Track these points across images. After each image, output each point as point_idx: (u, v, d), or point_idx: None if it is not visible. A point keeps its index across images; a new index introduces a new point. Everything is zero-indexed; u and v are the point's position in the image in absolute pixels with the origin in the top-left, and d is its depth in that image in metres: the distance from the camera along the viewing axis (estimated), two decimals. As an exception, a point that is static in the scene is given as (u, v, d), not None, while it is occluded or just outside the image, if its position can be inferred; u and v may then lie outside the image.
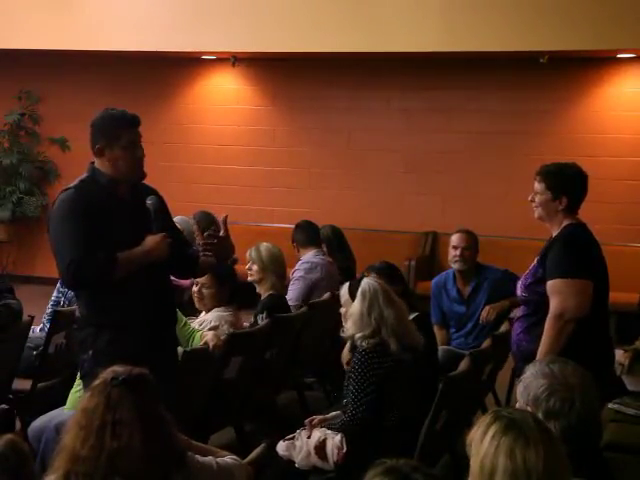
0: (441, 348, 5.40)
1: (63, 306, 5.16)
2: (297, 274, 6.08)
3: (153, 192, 3.78)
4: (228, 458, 2.74)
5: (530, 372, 2.73)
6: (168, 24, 8.85)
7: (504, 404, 5.53)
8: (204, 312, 4.96)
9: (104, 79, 9.88)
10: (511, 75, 8.77)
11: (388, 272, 4.89)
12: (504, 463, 2.17)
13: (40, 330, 5.29)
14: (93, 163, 3.67)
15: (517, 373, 3.87)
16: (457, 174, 8.97)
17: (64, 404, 4.28)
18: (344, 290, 4.28)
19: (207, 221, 6.47)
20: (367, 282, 4.15)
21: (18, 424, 4.54)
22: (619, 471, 3.19)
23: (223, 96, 9.79)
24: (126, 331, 3.54)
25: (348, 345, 4.31)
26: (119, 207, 3.61)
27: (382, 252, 7.13)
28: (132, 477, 2.36)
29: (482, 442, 2.22)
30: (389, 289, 4.25)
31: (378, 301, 4.06)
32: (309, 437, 4.00)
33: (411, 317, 4.68)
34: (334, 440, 3.92)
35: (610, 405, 4.55)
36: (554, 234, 4.03)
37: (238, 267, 5.45)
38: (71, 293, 5.16)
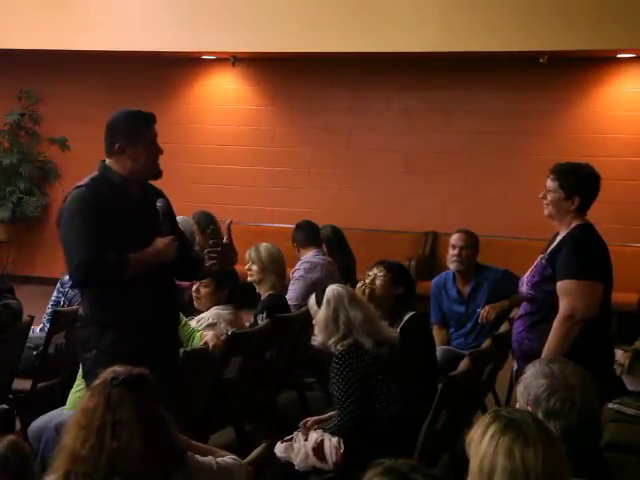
0: (441, 348, 5.40)
1: (63, 306, 5.16)
2: (297, 274, 6.08)
3: (160, 193, 3.80)
4: (228, 458, 2.74)
5: (530, 372, 2.73)
6: (168, 24, 8.85)
7: (504, 404, 5.53)
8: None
9: (104, 79, 9.88)
10: (511, 75, 8.77)
11: (397, 269, 4.92)
12: (503, 463, 2.17)
13: (40, 330, 5.29)
14: (104, 161, 3.67)
15: (519, 372, 3.86)
16: (457, 174, 8.97)
17: (64, 404, 4.28)
18: (311, 301, 4.29)
19: (206, 221, 6.49)
20: (331, 289, 4.17)
21: (18, 424, 4.53)
22: (619, 471, 3.19)
23: (223, 96, 9.79)
24: (130, 331, 3.54)
25: None
26: (130, 207, 3.61)
27: (382, 252, 7.12)
28: (132, 477, 2.36)
29: (481, 442, 2.22)
30: (354, 292, 4.29)
31: (343, 304, 4.08)
32: (306, 439, 4.00)
33: (407, 316, 4.68)
34: (331, 441, 3.93)
35: (610, 405, 4.55)
36: (562, 233, 4.03)
37: (238, 267, 5.44)
38: (71, 293, 5.17)
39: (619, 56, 8.32)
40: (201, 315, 4.89)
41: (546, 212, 4.07)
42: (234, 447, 4.27)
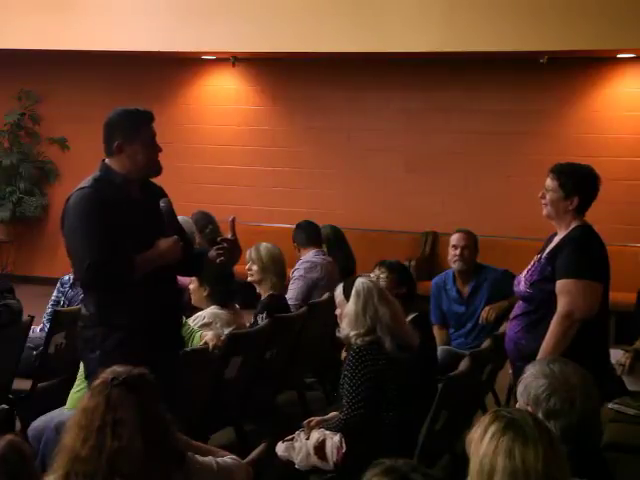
0: (441, 348, 5.41)
1: (63, 306, 5.16)
2: (297, 273, 6.08)
3: (162, 192, 3.80)
4: (228, 458, 2.74)
5: (530, 372, 2.74)
6: (168, 24, 8.85)
7: (504, 404, 5.53)
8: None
9: (104, 79, 9.88)
10: (511, 75, 8.77)
11: (399, 269, 4.93)
12: (503, 463, 2.17)
13: (40, 330, 5.29)
14: (104, 161, 3.66)
15: (516, 373, 3.86)
16: (457, 174, 8.97)
17: (64, 404, 4.28)
18: (338, 291, 4.26)
19: (205, 221, 6.50)
20: (361, 281, 4.15)
21: (18, 424, 4.53)
22: (619, 471, 3.19)
23: (223, 96, 9.79)
24: (135, 332, 3.53)
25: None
26: (133, 207, 3.61)
27: (382, 252, 7.12)
28: (132, 477, 2.36)
29: (481, 442, 2.22)
30: (383, 288, 4.26)
31: (373, 300, 4.06)
32: (308, 438, 4.00)
33: (410, 317, 4.69)
34: (333, 440, 3.92)
35: (610, 405, 4.55)
36: (561, 234, 4.03)
37: (238, 267, 5.44)
38: (71, 293, 5.18)
39: (619, 56, 8.31)
40: (198, 313, 4.90)
41: (545, 212, 4.07)
42: (234, 447, 4.27)
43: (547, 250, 4.05)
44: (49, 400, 4.45)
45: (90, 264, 3.45)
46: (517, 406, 2.68)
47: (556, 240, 4.05)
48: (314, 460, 3.93)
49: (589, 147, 8.38)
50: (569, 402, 2.61)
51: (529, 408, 2.62)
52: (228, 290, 4.99)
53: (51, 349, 4.77)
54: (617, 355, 4.61)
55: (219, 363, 4.45)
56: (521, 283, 4.08)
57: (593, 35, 7.69)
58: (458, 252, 5.68)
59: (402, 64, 8.93)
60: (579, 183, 4.00)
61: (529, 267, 4.10)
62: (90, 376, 3.57)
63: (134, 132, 3.61)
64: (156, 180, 3.84)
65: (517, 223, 8.59)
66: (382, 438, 3.90)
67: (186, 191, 9.17)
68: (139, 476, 2.37)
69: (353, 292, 4.09)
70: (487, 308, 5.55)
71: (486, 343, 4.77)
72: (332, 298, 5.38)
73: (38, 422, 4.26)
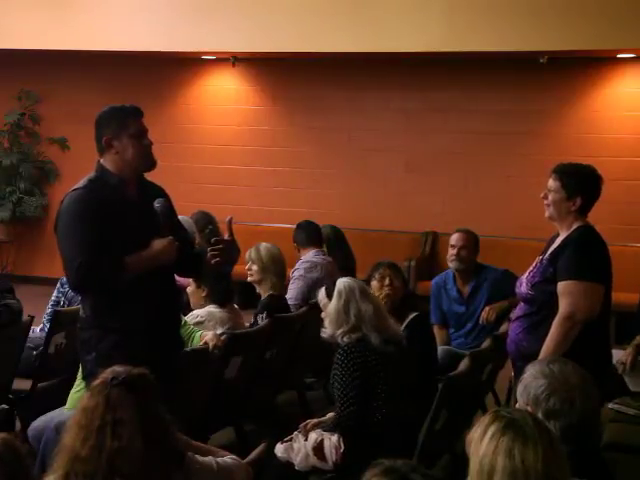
0: (441, 348, 5.40)
1: (63, 306, 5.16)
2: (297, 273, 6.08)
3: (160, 190, 3.78)
4: (228, 458, 2.74)
5: (530, 372, 2.74)
6: (168, 24, 8.85)
7: (504, 404, 5.53)
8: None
9: (104, 79, 9.88)
10: (511, 75, 8.77)
11: (399, 269, 4.95)
12: (503, 463, 2.17)
13: (40, 330, 5.29)
14: (100, 162, 3.66)
15: (517, 374, 3.86)
16: (457, 174, 8.97)
17: (64, 404, 4.28)
18: (321, 295, 4.28)
19: (205, 221, 6.49)
20: (342, 281, 4.18)
21: (18, 424, 4.53)
22: (619, 471, 3.19)
23: (223, 96, 9.79)
24: (131, 334, 3.52)
25: None
26: (128, 207, 3.60)
27: (382, 252, 7.13)
28: (132, 477, 2.36)
29: (481, 442, 2.22)
30: (365, 286, 4.27)
31: (355, 297, 4.08)
32: (306, 439, 4.00)
33: (410, 317, 4.70)
34: (331, 440, 3.92)
35: (610, 405, 4.54)
36: (563, 235, 4.01)
37: (238, 267, 5.45)
38: (71, 293, 5.17)
39: (619, 56, 8.31)
40: (195, 312, 4.91)
41: (547, 214, 4.05)
42: (234, 447, 4.27)
43: (549, 251, 4.04)
44: (49, 400, 4.45)
45: (80, 264, 3.43)
46: (517, 406, 2.68)
47: (558, 241, 4.03)
48: (313, 461, 3.94)
49: (589, 147, 8.39)
50: (569, 402, 2.61)
51: (529, 408, 2.62)
52: (226, 290, 5.00)
53: (51, 349, 4.77)
54: (618, 355, 4.60)
55: (219, 363, 4.45)
56: (523, 284, 4.07)
57: (593, 35, 7.69)
58: (455, 252, 5.68)
59: (402, 64, 8.93)
60: (582, 183, 3.98)
61: (531, 268, 4.09)
62: (87, 378, 3.57)
63: (121, 126, 3.59)
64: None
65: (517, 223, 8.59)
66: (381, 437, 3.90)
67: (186, 191, 9.17)
68: (139, 476, 2.37)
69: (335, 292, 4.12)
70: (487, 308, 5.55)
71: (486, 343, 4.77)
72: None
73: (38, 422, 4.26)
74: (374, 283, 4.82)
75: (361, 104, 9.28)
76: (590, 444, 2.67)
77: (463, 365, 4.20)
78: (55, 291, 5.34)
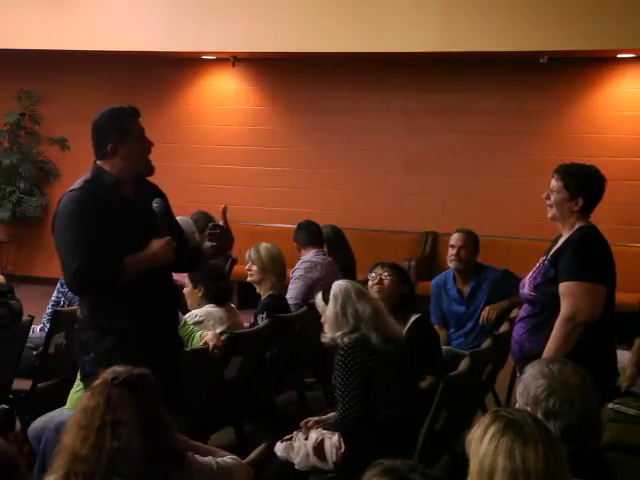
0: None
1: (63, 306, 5.16)
2: (297, 273, 6.08)
3: (158, 190, 3.77)
4: (228, 458, 2.74)
5: (530, 372, 2.73)
6: (168, 24, 8.86)
7: (504, 404, 5.53)
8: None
9: (104, 79, 9.89)
10: (511, 75, 8.77)
11: (400, 268, 4.96)
12: (503, 463, 2.17)
13: (40, 330, 5.29)
14: (96, 162, 3.65)
15: (521, 374, 3.85)
16: (457, 174, 8.97)
17: (64, 404, 4.27)
18: (318, 299, 4.28)
19: (205, 221, 6.49)
20: (337, 284, 4.17)
21: (18, 424, 4.53)
22: (619, 471, 3.19)
23: (223, 96, 9.80)
24: (129, 335, 3.51)
25: None
26: (125, 208, 3.58)
27: (382, 252, 7.14)
28: (132, 477, 2.36)
29: (481, 442, 2.22)
30: (361, 287, 4.27)
31: (351, 299, 4.07)
32: (306, 438, 4.00)
33: (413, 318, 4.70)
34: (332, 440, 3.92)
35: (610, 405, 4.54)
36: (565, 235, 3.99)
37: (238, 267, 5.45)
38: (71, 293, 5.16)
39: (619, 56, 8.32)
40: (193, 311, 4.91)
41: (549, 215, 4.03)
42: (234, 447, 4.27)
43: (551, 252, 4.03)
44: (49, 400, 4.45)
45: (79, 265, 3.41)
46: (517, 406, 2.68)
47: (560, 242, 4.01)
48: (313, 460, 3.93)
49: (589, 147, 8.39)
50: (568, 402, 2.61)
51: (528, 408, 2.62)
52: (222, 288, 4.99)
53: (51, 349, 4.77)
54: (624, 356, 4.59)
55: (219, 363, 4.45)
56: (526, 285, 4.06)
57: (593, 35, 7.70)
58: (454, 252, 5.68)
59: (402, 64, 8.93)
60: (584, 184, 3.96)
61: (534, 269, 4.07)
62: (85, 378, 3.57)
63: (125, 131, 3.57)
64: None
65: (517, 223, 8.60)
66: (381, 437, 3.90)
67: (186, 191, 9.18)
68: (139, 476, 2.37)
69: (331, 295, 4.11)
70: (487, 308, 5.54)
71: (486, 343, 4.77)
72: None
73: (38, 422, 4.26)
74: (369, 283, 4.83)
75: (361, 104, 9.28)
76: (590, 444, 2.67)
77: (463, 365, 4.20)
78: (55, 291, 5.34)
